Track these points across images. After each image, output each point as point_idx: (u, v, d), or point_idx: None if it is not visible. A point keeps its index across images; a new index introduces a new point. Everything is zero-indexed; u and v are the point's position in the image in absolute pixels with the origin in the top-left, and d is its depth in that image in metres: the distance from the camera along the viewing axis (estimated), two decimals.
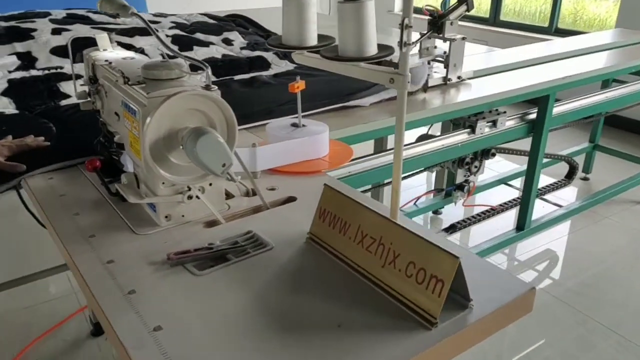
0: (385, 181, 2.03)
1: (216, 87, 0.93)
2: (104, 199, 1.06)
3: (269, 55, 2.11)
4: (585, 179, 3.22)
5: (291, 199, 1.06)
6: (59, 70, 1.91)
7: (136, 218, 0.98)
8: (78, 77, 1.89)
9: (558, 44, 2.56)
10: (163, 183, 0.92)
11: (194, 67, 0.95)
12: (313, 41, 0.97)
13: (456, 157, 2.01)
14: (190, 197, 0.94)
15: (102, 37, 1.13)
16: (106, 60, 1.06)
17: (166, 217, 0.95)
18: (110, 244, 0.90)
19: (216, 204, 0.98)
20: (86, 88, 1.14)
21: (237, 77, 1.84)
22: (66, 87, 1.73)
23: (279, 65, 2.04)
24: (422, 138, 1.85)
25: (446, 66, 1.86)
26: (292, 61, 2.03)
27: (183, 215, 0.96)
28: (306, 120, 1.30)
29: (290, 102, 1.53)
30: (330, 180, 1.14)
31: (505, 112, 1.95)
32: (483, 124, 1.89)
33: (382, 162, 1.62)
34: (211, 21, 2.76)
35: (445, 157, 1.86)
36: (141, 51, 2.11)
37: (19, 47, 2.13)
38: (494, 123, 1.93)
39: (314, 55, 0.97)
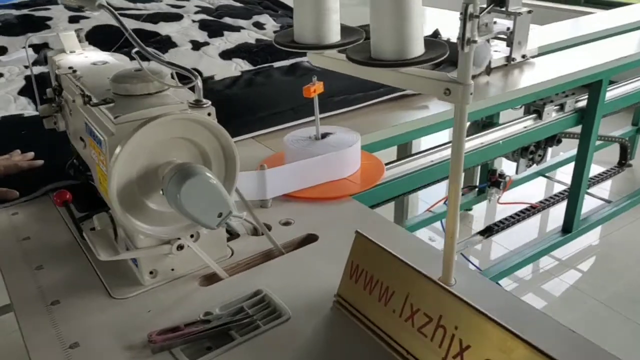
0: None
1: (209, 103, 0.70)
2: (78, 244, 0.84)
3: None
4: (628, 165, 2.94)
5: (311, 238, 0.84)
6: None
7: (115, 272, 0.76)
8: None
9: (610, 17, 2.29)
10: None
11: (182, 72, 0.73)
12: (335, 36, 0.74)
13: (518, 147, 1.77)
14: (180, 248, 0.71)
15: (68, 36, 0.91)
16: (70, 67, 0.83)
17: (151, 273, 0.73)
18: (78, 316, 0.68)
19: (215, 252, 0.76)
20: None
21: (276, 65, 1.65)
22: None
23: None
24: (483, 127, 1.64)
25: (509, 44, 1.64)
26: None
27: (173, 269, 0.74)
28: (333, 127, 1.06)
29: (345, 89, 1.39)
30: (361, 212, 0.91)
31: (574, 94, 1.72)
32: (551, 109, 1.68)
33: (406, 169, 1.39)
34: (237, 4, 2.54)
35: (507, 148, 1.64)
36: (167, 39, 1.94)
37: (35, 38, 1.96)
38: (562, 106, 1.71)
39: (338, 56, 0.74)
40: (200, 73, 1.74)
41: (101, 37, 2.06)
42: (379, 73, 0.66)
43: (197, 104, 0.69)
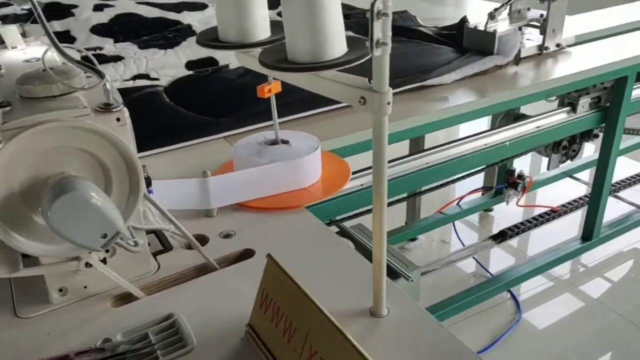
0: (424, 188, 1.71)
1: (120, 107, 0.64)
2: None
3: None
4: None
5: (248, 254, 0.77)
6: (97, 51, 1.75)
7: (30, 289, 0.71)
8: (118, 58, 1.69)
9: None
10: None
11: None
12: (262, 33, 0.66)
13: (550, 141, 1.67)
14: (88, 265, 0.66)
15: (8, 30, 0.86)
16: None
17: (60, 290, 0.67)
18: None
19: (136, 268, 0.70)
20: None
21: None
22: (105, 70, 1.54)
23: None
24: (514, 119, 1.54)
25: (543, 32, 1.54)
26: (356, 32, 1.80)
27: (86, 287, 0.68)
28: (293, 133, 0.98)
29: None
30: (311, 226, 0.83)
31: (612, 87, 1.59)
32: (586, 101, 1.57)
33: (418, 165, 1.31)
34: None
35: (539, 141, 1.56)
36: (187, 28, 1.92)
37: (57, 25, 1.99)
38: (599, 99, 1.59)
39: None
40: (215, 62, 1.71)
41: (125, 25, 2.05)
42: (293, 76, 0.58)
43: (106, 108, 0.63)
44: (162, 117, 1.33)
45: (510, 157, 1.58)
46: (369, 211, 1.39)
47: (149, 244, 0.76)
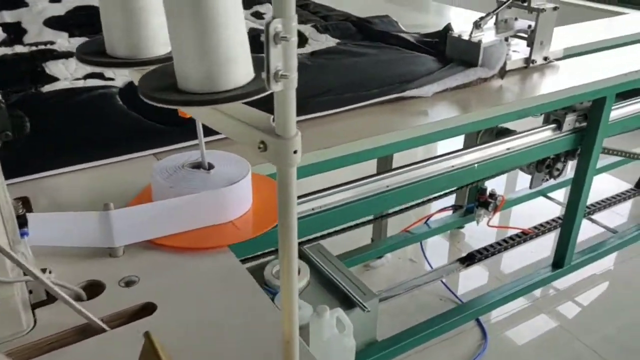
0: (391, 210, 1.60)
1: None
2: None
3: (307, 29, 1.74)
4: None
5: (149, 308, 0.64)
6: (48, 46, 1.59)
7: None
8: (70, 55, 1.55)
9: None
10: None
11: None
12: (159, 48, 0.54)
13: (534, 160, 1.58)
14: None
15: None
16: None
17: None
18: None
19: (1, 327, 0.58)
20: None
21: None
22: (54, 67, 1.42)
23: (318, 40, 1.68)
24: (496, 134, 1.49)
25: (530, 44, 1.44)
26: (334, 35, 1.67)
27: None
28: (221, 154, 0.86)
29: (333, 91, 1.25)
30: (230, 271, 0.70)
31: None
32: (572, 118, 1.49)
33: (384, 185, 1.21)
34: None
35: (516, 162, 1.49)
36: None
37: (8, 16, 1.83)
38: (585, 117, 1.51)
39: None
40: None
41: (83, 18, 1.89)
42: (191, 109, 0.46)
43: None
44: (109, 124, 1.19)
45: (483, 179, 1.47)
46: (323, 236, 1.28)
47: (29, 292, 0.63)
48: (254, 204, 0.81)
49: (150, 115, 1.21)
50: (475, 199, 1.85)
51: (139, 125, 1.16)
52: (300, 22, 1.85)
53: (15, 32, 1.69)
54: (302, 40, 1.69)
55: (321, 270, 1.24)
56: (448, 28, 1.52)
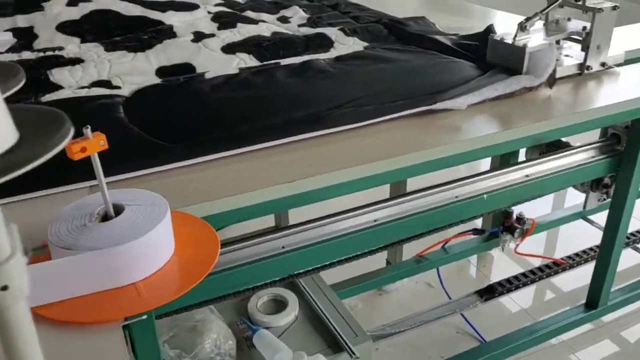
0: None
1: None
2: None
3: (333, 32, 1.69)
4: None
5: None
6: (56, 52, 1.60)
7: None
8: (78, 61, 1.54)
9: None
10: None
11: None
12: None
13: (589, 179, 1.45)
14: None
15: None
16: None
17: None
18: None
19: None
20: None
21: (285, 62, 1.46)
22: (59, 75, 1.43)
23: (345, 44, 1.62)
24: (549, 147, 1.36)
25: (585, 48, 1.31)
26: (362, 38, 1.61)
27: None
28: (134, 193, 0.75)
29: (355, 102, 1.21)
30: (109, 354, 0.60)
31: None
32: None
33: (399, 211, 1.10)
34: None
35: (577, 179, 1.36)
36: (168, 29, 1.80)
37: (21, 20, 1.85)
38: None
39: None
40: (192, 68, 1.53)
41: (99, 22, 1.88)
42: None
43: None
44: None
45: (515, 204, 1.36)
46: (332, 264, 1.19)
47: None
48: (178, 252, 0.71)
49: (150, 129, 1.15)
50: (500, 223, 1.70)
51: (134, 142, 1.10)
52: (328, 24, 1.76)
53: (26, 38, 1.69)
54: (327, 43, 1.61)
55: (312, 304, 1.16)
56: (489, 30, 1.40)
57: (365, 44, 1.64)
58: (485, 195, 1.18)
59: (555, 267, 1.69)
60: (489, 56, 1.37)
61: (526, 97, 1.25)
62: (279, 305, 1.25)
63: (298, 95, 1.29)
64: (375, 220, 1.09)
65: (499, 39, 1.34)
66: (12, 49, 1.66)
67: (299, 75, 1.42)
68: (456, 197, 1.16)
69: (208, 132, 1.14)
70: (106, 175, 0.98)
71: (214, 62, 1.55)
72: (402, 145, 1.06)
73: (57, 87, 1.42)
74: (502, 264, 2.08)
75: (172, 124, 1.21)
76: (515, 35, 1.29)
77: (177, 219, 0.72)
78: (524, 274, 1.67)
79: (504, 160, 1.62)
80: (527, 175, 1.25)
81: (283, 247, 1.01)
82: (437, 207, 1.14)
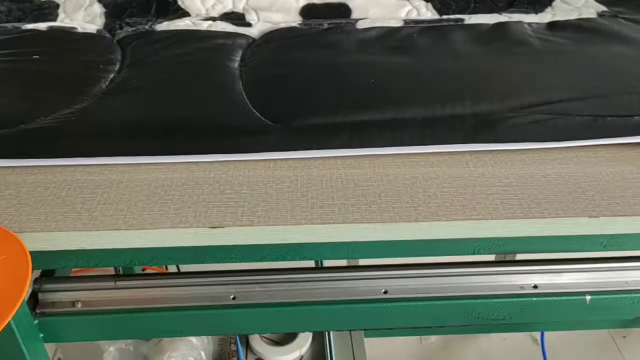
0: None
1: None
2: None
3: None
4: None
5: None
6: None
7: None
8: None
9: None
10: None
11: None
12: None
13: None
14: None
15: None
16: None
17: None
18: None
19: None
20: None
21: (472, 19, 1.10)
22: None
23: (570, 4, 1.17)
24: None
25: None
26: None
27: None
28: None
29: (558, 102, 0.79)
30: None
31: None
32: None
33: None
34: None
35: None
36: None
37: None
38: None
39: None
40: (347, 11, 1.18)
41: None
42: None
43: None
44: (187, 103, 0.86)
45: None
46: None
47: None
48: None
49: (257, 95, 0.84)
50: None
51: (222, 113, 0.79)
52: None
53: None
54: (544, 1, 1.12)
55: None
56: None
57: (602, 8, 1.12)
58: None
59: None
60: None
61: None
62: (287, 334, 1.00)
63: (470, 77, 0.87)
64: None
65: None
66: None
67: (485, 43, 0.98)
68: None
69: (317, 113, 0.78)
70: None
71: (378, 6, 1.16)
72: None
73: (182, 14, 1.17)
74: None
75: (284, 89, 0.88)
76: None
77: None
78: None
79: None
80: None
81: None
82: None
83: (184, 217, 0.61)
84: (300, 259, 0.61)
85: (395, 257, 0.62)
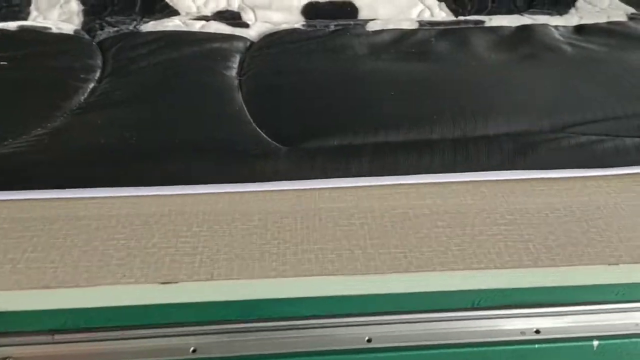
0: None
1: None
2: None
3: None
4: None
5: None
6: None
7: None
8: None
9: None
10: None
11: None
12: None
13: None
14: None
15: None
16: None
17: None
18: None
19: None
20: None
21: (493, 21, 1.01)
22: None
23: (595, 5, 1.09)
24: None
25: None
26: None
27: None
28: None
29: (604, 121, 0.70)
30: None
31: None
32: None
33: None
34: None
35: None
36: None
37: None
38: None
39: None
40: (353, 10, 1.07)
41: None
42: None
43: None
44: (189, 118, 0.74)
45: None
46: None
47: None
48: None
49: (262, 108, 0.73)
50: None
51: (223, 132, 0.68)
52: None
53: None
54: (567, 1, 1.03)
55: None
56: None
57: (631, 9, 1.03)
58: None
59: None
60: None
61: None
62: None
63: (496, 90, 0.76)
64: None
65: None
66: None
67: (508, 49, 0.88)
68: None
69: (328, 133, 0.68)
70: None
71: (387, 3, 1.06)
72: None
73: (171, 12, 1.06)
74: None
75: (289, 104, 0.76)
76: None
77: None
78: None
79: None
80: None
81: None
82: None
83: (129, 269, 0.50)
84: (269, 316, 0.50)
85: (382, 310, 0.52)
